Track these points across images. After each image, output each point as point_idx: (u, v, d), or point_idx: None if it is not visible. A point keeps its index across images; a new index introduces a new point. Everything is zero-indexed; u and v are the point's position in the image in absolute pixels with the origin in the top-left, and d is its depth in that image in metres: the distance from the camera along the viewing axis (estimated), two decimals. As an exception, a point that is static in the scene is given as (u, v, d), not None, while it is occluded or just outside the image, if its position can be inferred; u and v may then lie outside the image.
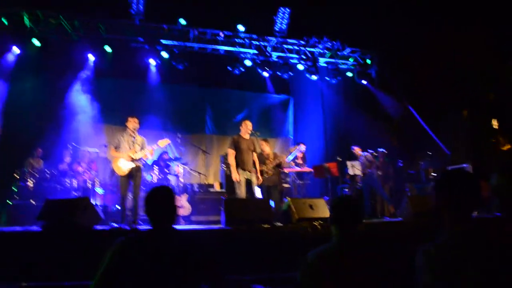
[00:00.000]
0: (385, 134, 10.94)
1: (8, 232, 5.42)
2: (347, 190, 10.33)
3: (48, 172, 8.43)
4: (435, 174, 9.69)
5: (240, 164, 7.51)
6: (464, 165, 8.63)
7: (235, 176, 7.42)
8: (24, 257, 4.69)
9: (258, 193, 7.92)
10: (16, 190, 8.14)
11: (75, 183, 8.63)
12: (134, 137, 6.87)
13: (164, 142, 7.33)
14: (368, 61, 11.94)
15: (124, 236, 2.65)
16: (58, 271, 4.45)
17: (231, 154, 7.58)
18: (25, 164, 8.76)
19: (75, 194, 8.45)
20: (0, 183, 8.89)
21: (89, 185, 8.67)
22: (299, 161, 9.89)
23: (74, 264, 4.56)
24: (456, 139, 9.44)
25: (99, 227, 5.77)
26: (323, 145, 12.04)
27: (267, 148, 8.38)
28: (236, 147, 7.60)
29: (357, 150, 9.82)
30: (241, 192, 7.37)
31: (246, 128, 7.72)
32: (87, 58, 10.14)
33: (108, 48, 9.76)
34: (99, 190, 8.87)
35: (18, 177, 8.22)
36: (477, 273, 1.91)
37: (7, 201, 7.94)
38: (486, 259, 1.93)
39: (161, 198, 2.71)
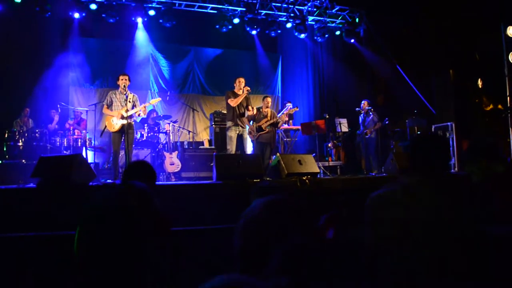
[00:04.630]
0: (372, 92, 11.08)
1: (4, 189, 5.53)
2: (330, 147, 10.53)
3: (38, 131, 8.43)
4: (420, 132, 9.90)
5: (232, 120, 7.67)
6: (448, 123, 8.85)
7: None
8: (20, 211, 4.82)
9: (249, 148, 8.11)
10: (5, 150, 8.17)
11: (65, 142, 8.67)
12: (126, 95, 6.90)
13: (155, 100, 7.63)
14: (357, 20, 11.90)
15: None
16: (53, 224, 4.59)
17: (232, 101, 7.69)
18: (13, 124, 8.76)
19: (65, 152, 8.51)
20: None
21: (80, 144, 8.73)
22: (286, 118, 10.01)
23: (68, 217, 4.69)
24: (441, 98, 9.61)
25: (93, 183, 5.89)
26: (311, 103, 12.17)
27: (268, 106, 8.47)
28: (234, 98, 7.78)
29: (366, 104, 9.63)
30: (232, 148, 7.56)
31: (240, 84, 7.84)
32: (72, 17, 9.95)
33: (93, 6, 9.57)
34: (90, 149, 8.95)
35: (7, 137, 8.21)
36: (398, 220, 2.06)
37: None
38: (415, 208, 2.06)
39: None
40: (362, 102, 9.69)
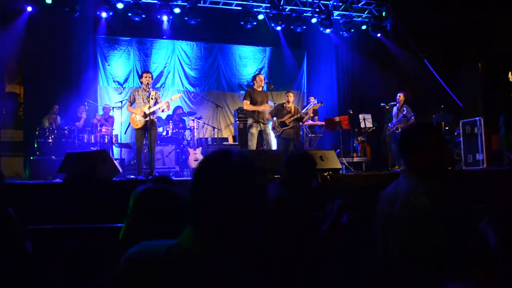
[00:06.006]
0: (399, 87, 10.88)
1: (32, 184, 5.75)
2: (356, 143, 10.42)
3: (66, 129, 8.69)
4: (447, 128, 9.70)
5: (253, 117, 7.71)
6: (477, 118, 8.61)
7: (263, 108, 7.79)
8: (47, 206, 4.99)
9: (272, 144, 8.14)
10: (36, 147, 8.45)
11: (92, 138, 8.90)
12: (148, 92, 7.03)
13: (176, 96, 7.75)
14: (383, 14, 11.71)
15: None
16: (77, 218, 4.74)
17: (247, 104, 7.81)
18: (42, 121, 9.03)
19: (93, 149, 8.73)
20: (24, 140, 9.26)
21: (107, 140, 8.94)
22: (311, 114, 9.97)
23: (93, 211, 4.84)
24: (469, 92, 9.35)
25: (117, 179, 6.03)
26: (336, 98, 12.06)
27: (290, 101, 8.49)
28: (252, 98, 7.83)
29: (402, 96, 9.35)
30: (253, 144, 7.63)
31: (259, 81, 7.88)
32: (100, 16, 10.16)
33: (120, 5, 9.74)
34: (116, 145, 9.16)
35: (37, 134, 8.49)
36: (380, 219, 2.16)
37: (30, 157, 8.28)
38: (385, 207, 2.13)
39: None
40: (398, 94, 9.45)
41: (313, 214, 2.83)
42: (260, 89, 7.90)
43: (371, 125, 9.72)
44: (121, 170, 6.52)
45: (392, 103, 9.56)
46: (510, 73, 9.06)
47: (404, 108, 9.16)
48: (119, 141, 9.28)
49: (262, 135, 7.81)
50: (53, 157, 8.05)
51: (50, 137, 8.47)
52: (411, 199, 2.01)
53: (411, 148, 2.14)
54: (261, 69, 12.32)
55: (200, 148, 8.96)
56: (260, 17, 10.76)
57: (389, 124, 9.50)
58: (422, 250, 1.93)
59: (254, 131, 7.70)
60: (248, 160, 1.26)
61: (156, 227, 2.80)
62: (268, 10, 10.80)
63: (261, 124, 7.77)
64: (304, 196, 2.82)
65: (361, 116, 9.74)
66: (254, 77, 8.02)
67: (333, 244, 2.71)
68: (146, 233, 2.82)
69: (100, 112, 9.82)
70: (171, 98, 7.55)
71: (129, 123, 7.38)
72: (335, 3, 11.30)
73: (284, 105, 8.35)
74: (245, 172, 1.23)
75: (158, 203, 2.87)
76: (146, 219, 2.95)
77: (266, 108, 7.88)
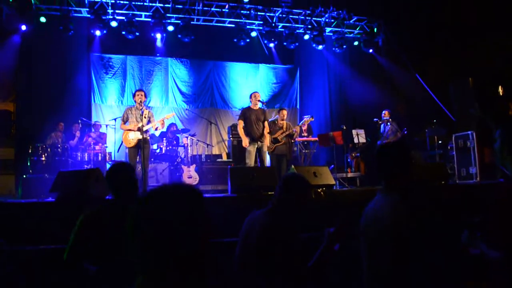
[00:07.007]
0: (391, 102, 10.96)
1: (24, 203, 5.70)
2: (350, 159, 10.45)
3: (60, 147, 8.65)
4: (440, 142, 9.76)
5: (250, 135, 7.75)
6: (469, 132, 8.66)
7: (245, 142, 7.75)
8: (40, 225, 4.94)
9: (268, 161, 8.19)
10: (29, 165, 8.40)
11: (86, 156, 8.86)
12: (142, 110, 7.04)
13: (170, 115, 7.77)
14: (375, 30, 11.85)
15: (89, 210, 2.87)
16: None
17: (240, 125, 7.90)
18: (47, 138, 8.98)
19: (86, 167, 8.69)
20: (15, 158, 9.20)
21: (100, 158, 8.91)
22: (304, 133, 10.02)
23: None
24: (461, 107, 9.43)
25: (110, 197, 5.99)
26: (329, 114, 12.12)
27: (284, 118, 8.58)
28: (245, 118, 7.89)
29: (386, 114, 9.66)
30: (251, 161, 7.66)
31: (255, 99, 7.94)
32: (94, 35, 10.19)
33: (114, 23, 9.80)
34: (110, 162, 9.12)
35: (31, 152, 8.44)
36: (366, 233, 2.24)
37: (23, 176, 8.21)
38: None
39: (121, 172, 2.97)
40: (383, 112, 9.62)
41: (297, 246, 2.72)
42: (257, 107, 7.95)
43: (364, 140, 9.77)
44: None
45: (388, 117, 9.68)
46: (500, 87, 9.16)
47: (389, 124, 9.31)
48: (113, 159, 9.25)
49: (258, 153, 7.86)
50: (46, 175, 7.97)
51: (43, 155, 8.41)
52: (383, 213, 2.08)
53: (383, 166, 2.31)
54: (254, 86, 12.38)
55: (194, 165, 8.95)
56: (253, 34, 10.86)
57: (378, 142, 9.61)
58: (399, 262, 1.96)
59: (251, 149, 7.75)
60: (187, 190, 1.23)
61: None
62: (261, 27, 10.91)
63: (258, 143, 7.82)
64: (291, 225, 2.71)
65: (354, 132, 9.78)
66: (250, 96, 8.09)
67: (324, 274, 2.64)
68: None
69: (93, 129, 9.81)
70: (165, 116, 7.57)
71: (122, 142, 7.36)
72: (327, 20, 11.44)
73: (276, 121, 8.44)
74: (188, 205, 1.20)
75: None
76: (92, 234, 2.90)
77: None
